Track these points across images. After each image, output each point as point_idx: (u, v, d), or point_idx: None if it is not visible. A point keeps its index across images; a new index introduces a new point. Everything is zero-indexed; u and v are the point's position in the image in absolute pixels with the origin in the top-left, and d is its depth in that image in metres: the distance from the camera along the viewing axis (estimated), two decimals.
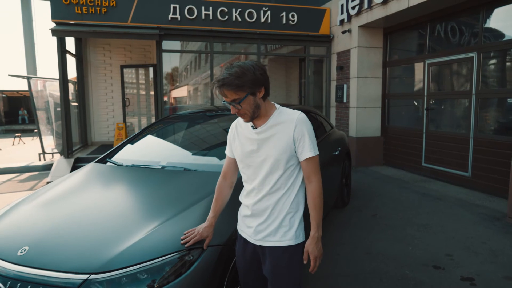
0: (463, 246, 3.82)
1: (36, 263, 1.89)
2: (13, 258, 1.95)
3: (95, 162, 3.32)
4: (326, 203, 3.81)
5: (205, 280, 1.94)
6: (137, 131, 10.38)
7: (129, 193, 2.62)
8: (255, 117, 1.76)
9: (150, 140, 3.77)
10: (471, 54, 5.85)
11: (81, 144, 9.28)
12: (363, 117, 7.96)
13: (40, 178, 8.02)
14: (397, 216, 4.76)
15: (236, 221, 2.02)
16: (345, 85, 8.28)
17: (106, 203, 2.44)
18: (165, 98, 9.09)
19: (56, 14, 7.16)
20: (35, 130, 19.68)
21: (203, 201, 2.30)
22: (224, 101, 1.72)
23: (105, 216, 2.25)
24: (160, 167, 2.97)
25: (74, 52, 9.11)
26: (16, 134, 17.01)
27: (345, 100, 8.29)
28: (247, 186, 1.89)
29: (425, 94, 6.91)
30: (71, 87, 10.80)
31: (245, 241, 1.90)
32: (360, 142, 7.94)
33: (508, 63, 5.62)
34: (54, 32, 7.00)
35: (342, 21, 8.26)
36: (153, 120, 10.26)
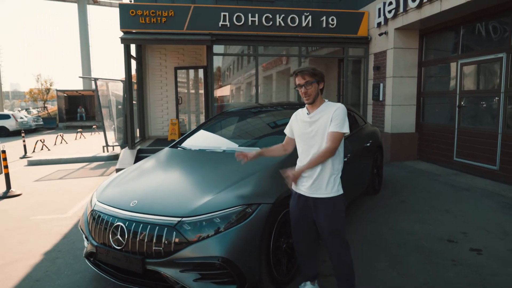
0: (478, 226, 4.34)
1: (144, 210, 2.77)
2: (128, 207, 2.85)
3: (169, 147, 4.23)
4: (356, 188, 4.55)
5: (259, 227, 2.71)
6: (187, 126, 11.43)
7: (202, 167, 3.48)
8: (315, 100, 2.58)
9: (210, 131, 4.64)
10: (500, 55, 6.22)
11: (141, 138, 10.44)
12: (398, 114, 8.43)
13: (107, 167, 9.24)
14: (423, 203, 5.31)
15: (281, 188, 2.80)
16: (381, 84, 8.78)
17: (186, 173, 3.32)
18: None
19: (124, 24, 8.28)
20: (94, 126, 21.68)
21: (255, 174, 3.10)
22: (295, 87, 2.60)
23: (188, 181, 3.12)
24: (221, 150, 3.81)
25: (135, 56, 10.27)
26: (78, 130, 18.81)
27: (381, 98, 8.79)
28: (302, 156, 2.67)
29: (458, 92, 7.30)
30: None
31: (299, 196, 2.67)
32: (395, 138, 8.42)
33: None
34: (123, 40, 8.12)
35: (379, 24, 8.76)
36: (202, 116, 11.25)
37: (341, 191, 2.60)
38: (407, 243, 3.89)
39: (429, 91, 8.43)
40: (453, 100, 7.48)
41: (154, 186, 3.15)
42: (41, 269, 3.52)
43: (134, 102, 10.94)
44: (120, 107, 11.74)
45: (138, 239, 2.64)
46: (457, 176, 6.86)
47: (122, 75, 9.59)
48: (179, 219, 2.64)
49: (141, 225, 2.68)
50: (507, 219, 4.58)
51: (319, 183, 2.57)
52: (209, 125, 4.81)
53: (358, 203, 5.26)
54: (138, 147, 8.94)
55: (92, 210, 3.08)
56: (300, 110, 2.77)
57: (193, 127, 11.49)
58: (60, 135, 15.93)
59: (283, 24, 8.90)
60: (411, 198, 5.55)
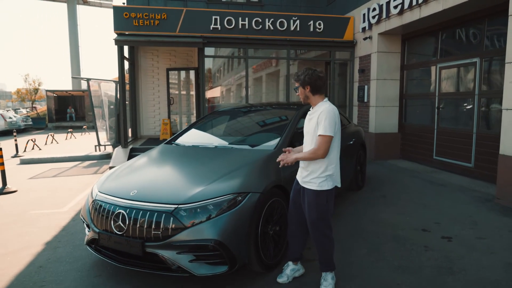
0: (451, 217, 4.68)
1: (143, 198, 3.02)
2: (128, 196, 3.10)
3: (164, 144, 4.48)
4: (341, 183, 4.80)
5: (248, 214, 2.98)
6: (178, 126, 11.65)
7: (196, 160, 3.75)
8: (306, 102, 2.95)
9: (202, 128, 4.91)
10: (474, 59, 6.62)
11: (133, 137, 10.62)
12: (381, 115, 8.80)
13: (100, 165, 9.41)
14: (402, 197, 5.64)
15: (269, 179, 3.14)
16: (366, 86, 9.14)
17: (181, 166, 3.59)
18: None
19: (118, 26, 8.48)
20: (84, 127, 21.69)
21: (244, 167, 3.38)
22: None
23: (183, 173, 3.38)
24: (213, 146, 4.09)
25: (127, 57, 10.45)
26: (69, 130, 18.84)
27: (366, 100, 9.15)
28: (304, 150, 2.99)
29: (437, 94, 7.69)
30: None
31: (297, 182, 3.04)
32: (378, 138, 8.78)
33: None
34: (116, 42, 8.33)
35: (364, 29, 9.12)
36: (193, 117, 11.49)
37: (326, 187, 2.86)
38: (385, 233, 4.20)
39: (411, 93, 8.83)
40: (433, 102, 7.87)
41: (151, 177, 3.41)
42: (43, 257, 3.73)
43: (126, 102, 11.13)
44: (112, 107, 11.90)
45: (138, 225, 2.89)
46: (436, 173, 7.24)
47: (112, 75, 9.87)
48: (175, 206, 2.90)
49: (141, 212, 2.93)
50: (478, 211, 4.93)
51: (309, 175, 2.89)
52: (201, 123, 5.07)
53: (341, 197, 5.57)
54: (131, 146, 9.13)
55: (94, 200, 3.31)
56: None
57: (184, 127, 11.71)
58: (51, 134, 15.96)
59: (272, 28, 9.21)
60: (392, 193, 5.88)
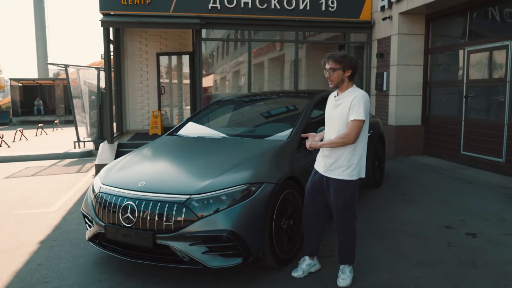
0: (477, 214, 5.14)
1: (153, 189, 3.47)
2: (136, 188, 3.54)
3: (166, 135, 4.94)
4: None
5: (263, 205, 3.43)
6: (170, 119, 12.09)
7: (204, 151, 4.22)
8: (338, 86, 3.30)
9: (205, 119, 5.38)
10: (506, 42, 7.07)
11: (118, 132, 11.04)
12: (403, 106, 9.25)
13: (82, 163, 9.87)
14: (425, 195, 6.10)
15: (282, 170, 3.61)
16: (385, 73, 9.59)
17: (189, 157, 4.07)
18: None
19: (104, 5, 8.92)
20: (56, 121, 22.09)
21: (257, 157, 3.84)
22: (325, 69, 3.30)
23: (192, 164, 3.86)
24: (221, 137, 4.55)
25: (112, 39, 10.87)
26: (39, 125, 19.24)
27: (384, 88, 9.60)
28: (326, 138, 3.41)
29: (465, 81, 8.15)
30: (103, 75, 12.63)
31: (316, 172, 3.48)
32: (399, 131, 9.24)
33: None
34: (103, 23, 8.76)
35: (383, 8, 9.56)
36: (187, 108, 11.92)
37: (355, 177, 3.30)
38: (406, 230, 4.66)
39: (436, 81, 9.28)
40: (460, 90, 8.32)
41: (159, 168, 3.88)
42: (41, 255, 4.17)
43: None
44: (93, 97, 12.34)
45: (148, 217, 3.33)
46: (463, 170, 7.70)
47: (86, 61, 10.19)
48: (188, 196, 3.34)
49: (151, 203, 3.37)
50: (506, 208, 5.39)
51: (335, 163, 3.29)
52: (204, 113, 5.53)
53: (358, 195, 6.01)
54: (118, 142, 9.55)
55: (98, 193, 3.76)
56: (333, 93, 3.51)
57: (177, 119, 12.16)
58: (20, 130, 16.38)
59: (278, 7, 9.65)
60: (413, 191, 6.34)
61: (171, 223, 3.28)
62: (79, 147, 12.14)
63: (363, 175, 3.38)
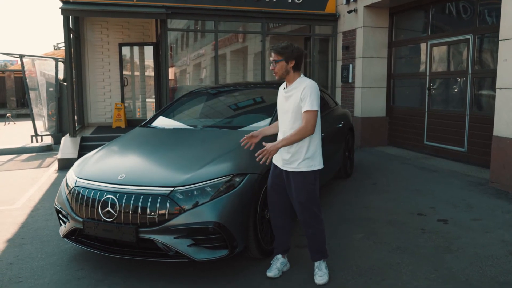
0: (445, 202, 5.35)
1: (134, 182, 3.37)
2: (116, 181, 3.43)
3: (139, 127, 4.80)
4: (329, 170, 5.30)
5: (247, 196, 3.41)
6: (133, 112, 11.79)
7: (183, 143, 4.13)
8: (283, 77, 3.24)
9: (179, 111, 5.27)
10: (467, 36, 7.37)
11: (80, 125, 10.66)
12: (368, 97, 9.46)
13: (42, 158, 9.45)
14: (394, 184, 6.28)
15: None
16: (350, 65, 9.76)
17: (169, 149, 3.97)
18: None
19: None
20: (8, 115, 21.03)
21: (238, 148, 3.77)
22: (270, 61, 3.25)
23: (173, 156, 3.77)
24: (198, 128, 4.47)
25: (72, 29, 10.45)
26: None
27: (350, 80, 9.78)
28: (280, 130, 3.36)
29: (427, 74, 8.43)
30: (62, 66, 12.16)
31: (275, 167, 3.40)
32: (365, 122, 9.45)
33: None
34: (63, 11, 8.38)
35: (348, 1, 9.71)
36: (151, 100, 11.66)
37: (314, 168, 3.25)
38: (381, 218, 4.78)
39: (399, 73, 9.54)
40: (423, 82, 8.60)
41: (138, 161, 3.77)
42: (10, 254, 3.96)
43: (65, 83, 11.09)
44: (51, 89, 11.84)
45: (131, 210, 3.23)
46: (427, 159, 7.99)
47: (37, 51, 9.73)
48: (171, 188, 3.26)
49: (133, 196, 3.27)
50: (472, 195, 5.65)
51: (293, 157, 3.23)
52: (177, 105, 5.42)
53: (330, 186, 6.12)
54: (81, 135, 9.22)
55: (73, 188, 3.60)
56: (282, 85, 3.45)
57: (140, 112, 11.88)
58: None
59: None
60: (383, 181, 6.51)
61: (155, 217, 3.20)
62: (37, 141, 11.62)
63: (321, 165, 3.31)
